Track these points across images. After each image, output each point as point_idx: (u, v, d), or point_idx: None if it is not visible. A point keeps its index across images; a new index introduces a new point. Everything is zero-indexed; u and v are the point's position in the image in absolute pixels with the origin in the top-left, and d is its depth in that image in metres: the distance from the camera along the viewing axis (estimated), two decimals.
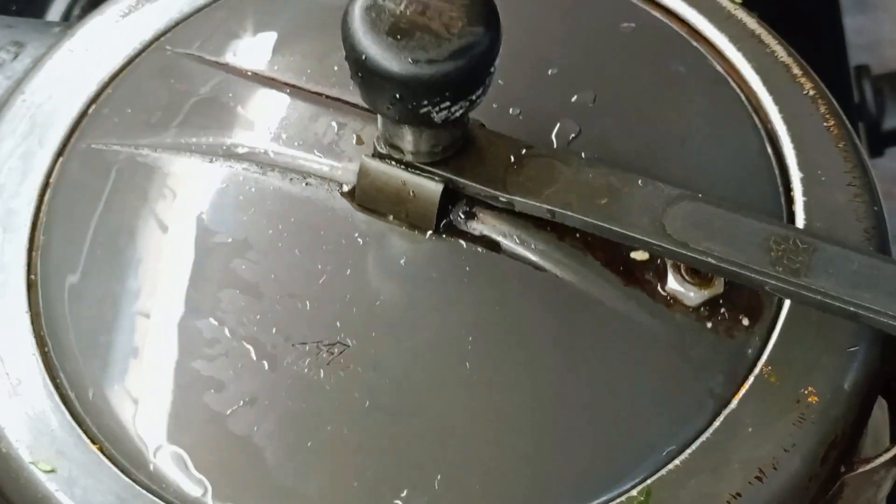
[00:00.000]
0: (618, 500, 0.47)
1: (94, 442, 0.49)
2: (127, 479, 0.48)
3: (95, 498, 0.48)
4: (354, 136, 0.55)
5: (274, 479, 0.48)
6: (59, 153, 0.56)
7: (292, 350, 0.50)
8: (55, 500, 0.48)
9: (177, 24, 0.60)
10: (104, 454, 0.49)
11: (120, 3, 0.61)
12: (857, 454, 0.52)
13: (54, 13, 0.84)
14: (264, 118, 0.56)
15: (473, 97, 0.49)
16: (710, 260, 0.49)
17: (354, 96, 0.55)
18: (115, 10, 0.61)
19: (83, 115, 0.57)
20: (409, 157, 0.52)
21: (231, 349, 0.50)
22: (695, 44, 0.59)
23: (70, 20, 0.83)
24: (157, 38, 0.59)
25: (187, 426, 0.49)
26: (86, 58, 0.59)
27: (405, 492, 0.47)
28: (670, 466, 0.48)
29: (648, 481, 0.47)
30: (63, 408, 0.50)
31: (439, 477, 0.48)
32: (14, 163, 0.56)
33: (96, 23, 0.60)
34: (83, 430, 0.49)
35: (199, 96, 0.57)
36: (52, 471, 0.48)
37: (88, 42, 0.60)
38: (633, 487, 0.48)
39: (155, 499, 0.48)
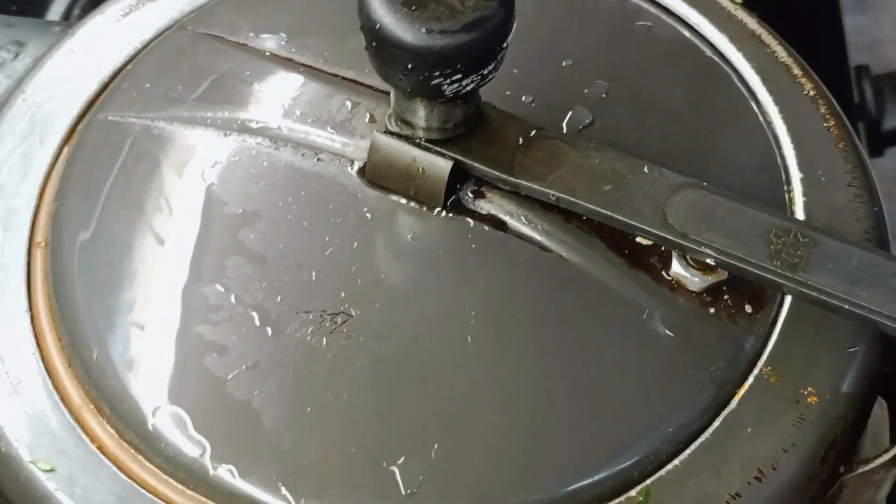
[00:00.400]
0: (617, 500, 0.47)
1: (95, 403, 0.49)
2: (126, 479, 0.48)
3: (95, 497, 0.48)
4: (367, 114, 0.56)
5: (272, 442, 0.48)
6: (60, 151, 0.56)
7: (296, 318, 0.50)
8: (55, 499, 0.48)
9: (179, 21, 0.60)
10: (103, 415, 0.49)
11: (120, 2, 0.61)
12: (856, 454, 0.52)
13: (55, 13, 0.84)
14: (279, 95, 0.57)
15: (485, 71, 0.49)
16: (708, 251, 0.49)
17: (369, 78, 0.55)
18: (115, 9, 0.61)
19: (84, 114, 0.57)
20: (420, 134, 0.52)
21: (236, 315, 0.51)
22: (703, 44, 0.59)
23: (70, 20, 0.83)
24: (157, 37, 0.60)
25: (189, 388, 0.49)
26: (86, 57, 0.59)
27: (402, 459, 0.47)
28: (669, 466, 0.48)
29: (648, 481, 0.48)
30: (62, 407, 0.50)
31: (436, 446, 0.48)
32: (14, 162, 0.56)
33: (97, 22, 0.60)
34: (85, 390, 0.50)
35: (216, 73, 0.58)
36: (52, 470, 0.48)
37: (89, 41, 0.60)
38: (633, 487, 0.48)
39: (154, 498, 0.48)
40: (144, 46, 0.59)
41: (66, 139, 0.56)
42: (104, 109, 0.57)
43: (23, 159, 0.56)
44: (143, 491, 0.48)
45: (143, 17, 0.60)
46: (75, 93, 0.58)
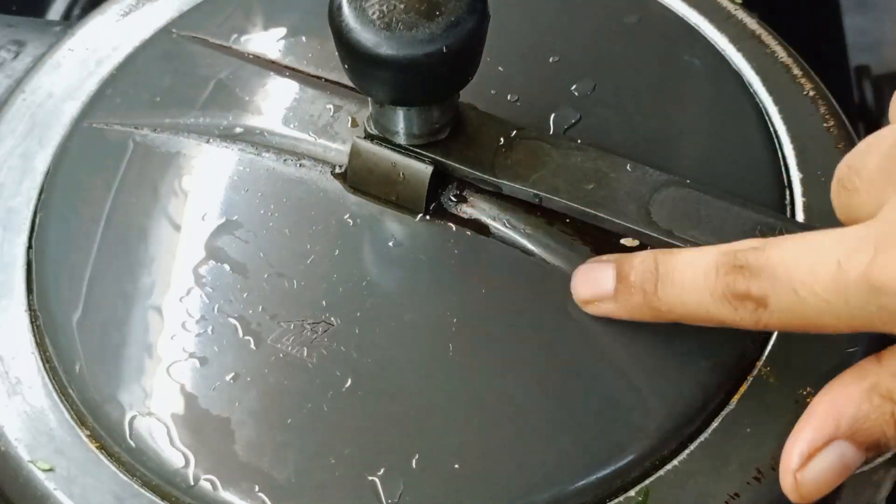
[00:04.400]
0: (616, 500, 0.47)
1: (78, 416, 0.49)
2: (125, 478, 0.48)
3: (94, 497, 0.48)
4: (349, 118, 0.56)
5: (253, 454, 0.48)
6: None
7: (277, 328, 0.50)
8: (54, 498, 0.48)
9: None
10: (85, 426, 0.49)
11: (120, 2, 0.61)
12: None
13: (55, 12, 0.84)
14: (262, 100, 0.57)
15: (459, 80, 0.49)
16: None
17: None
18: (115, 9, 0.61)
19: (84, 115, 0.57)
20: (399, 139, 0.52)
21: (217, 325, 0.50)
22: (701, 43, 0.59)
23: (70, 19, 0.83)
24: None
25: (171, 401, 0.49)
26: (86, 57, 0.59)
27: (382, 470, 0.47)
28: (668, 467, 0.48)
29: (647, 481, 0.48)
30: (62, 406, 0.50)
31: (417, 457, 0.47)
32: (14, 162, 0.56)
33: (97, 22, 0.60)
34: (68, 402, 0.49)
35: (199, 78, 0.58)
36: (51, 469, 0.48)
37: (89, 41, 0.60)
38: (632, 487, 0.48)
39: (153, 497, 0.48)
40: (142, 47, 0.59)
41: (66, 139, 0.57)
42: (88, 117, 0.57)
43: (23, 159, 0.56)
44: (142, 490, 0.48)
45: (143, 17, 0.60)
46: (75, 93, 0.58)
